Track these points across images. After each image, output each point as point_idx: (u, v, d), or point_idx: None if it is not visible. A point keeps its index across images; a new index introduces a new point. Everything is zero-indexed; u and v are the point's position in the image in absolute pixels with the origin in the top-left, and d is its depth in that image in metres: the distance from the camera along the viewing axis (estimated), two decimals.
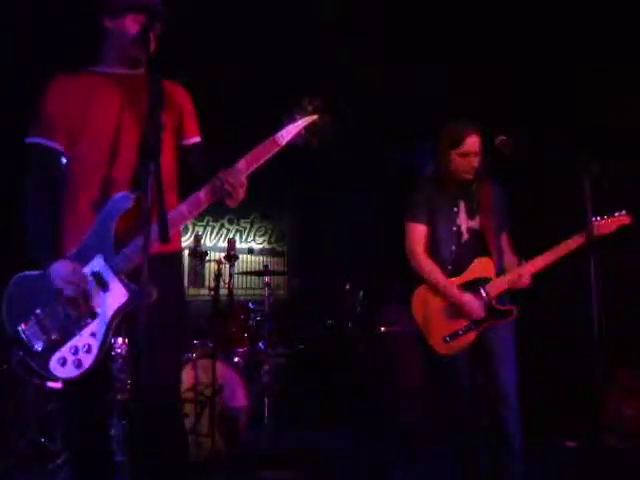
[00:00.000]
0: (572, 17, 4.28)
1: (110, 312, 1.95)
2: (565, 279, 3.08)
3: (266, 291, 5.09)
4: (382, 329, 5.50)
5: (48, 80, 2.16)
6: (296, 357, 5.29)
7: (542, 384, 4.21)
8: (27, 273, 2.01)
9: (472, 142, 2.84)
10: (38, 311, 1.96)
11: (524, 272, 2.82)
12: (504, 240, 3.02)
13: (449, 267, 2.88)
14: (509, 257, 2.99)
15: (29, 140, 2.12)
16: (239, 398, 4.17)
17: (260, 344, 4.89)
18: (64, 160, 2.15)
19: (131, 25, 2.11)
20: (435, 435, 3.91)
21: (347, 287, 5.75)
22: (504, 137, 2.79)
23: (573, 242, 2.77)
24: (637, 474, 3.44)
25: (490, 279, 2.86)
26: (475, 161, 2.87)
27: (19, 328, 1.95)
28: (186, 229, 6.71)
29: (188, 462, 2.25)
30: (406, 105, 5.29)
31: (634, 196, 3.29)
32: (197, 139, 2.34)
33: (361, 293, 5.69)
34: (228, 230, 7.20)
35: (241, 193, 2.02)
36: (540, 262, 2.83)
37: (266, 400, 4.61)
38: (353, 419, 4.82)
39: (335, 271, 6.12)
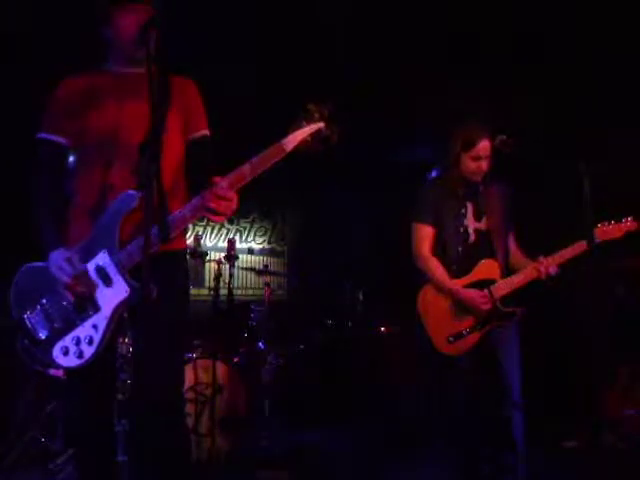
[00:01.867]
0: (575, 15, 4.28)
1: (111, 306, 1.99)
2: (565, 279, 3.08)
3: (266, 291, 5.09)
4: (382, 329, 5.50)
5: (58, 79, 2.22)
6: (296, 357, 5.29)
7: (542, 384, 4.21)
8: (34, 264, 2.08)
9: (484, 146, 2.87)
10: (44, 300, 2.02)
11: (551, 261, 2.82)
12: (511, 240, 3.02)
13: (455, 268, 2.89)
14: (518, 257, 2.99)
15: (39, 136, 2.19)
16: (239, 398, 4.17)
17: (260, 344, 4.89)
18: (71, 157, 2.21)
19: (124, 20, 2.12)
20: (435, 435, 3.91)
21: (347, 287, 5.75)
22: (505, 137, 2.81)
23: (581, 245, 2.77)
24: (637, 474, 3.44)
25: (495, 281, 2.86)
26: (485, 164, 2.89)
27: (25, 316, 2.02)
28: (186, 229, 6.71)
29: (190, 462, 2.25)
30: (407, 105, 5.29)
31: (634, 196, 3.29)
32: (204, 132, 2.32)
33: (361, 293, 5.69)
34: (228, 230, 7.19)
35: (228, 210, 2.01)
36: (564, 255, 2.84)
37: (266, 400, 4.61)
38: (353, 419, 4.82)
39: (335, 271, 6.13)
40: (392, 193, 6.08)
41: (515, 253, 3.01)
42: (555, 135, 4.12)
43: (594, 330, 2.29)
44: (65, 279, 1.97)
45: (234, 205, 2.02)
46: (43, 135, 2.18)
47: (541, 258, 2.87)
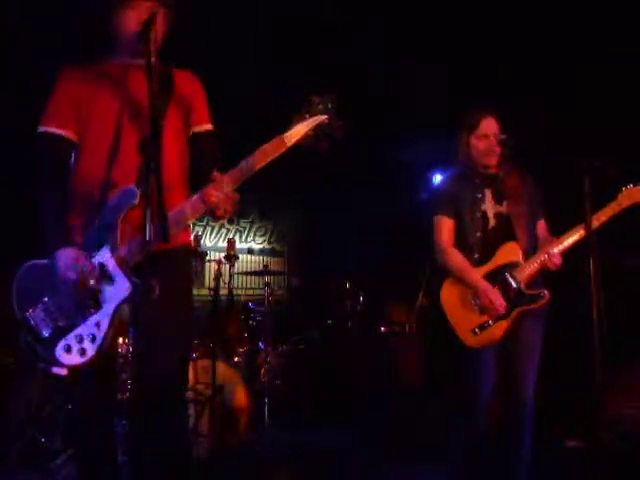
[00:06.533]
0: (574, 15, 4.29)
1: (113, 304, 1.97)
2: (565, 278, 3.08)
3: (266, 291, 5.10)
4: (382, 329, 5.50)
5: (59, 71, 2.17)
6: (296, 357, 5.28)
7: (542, 383, 4.20)
8: (36, 261, 2.05)
9: (488, 124, 2.85)
10: (46, 299, 2.00)
11: (553, 251, 2.74)
12: (541, 227, 2.96)
13: (476, 255, 2.84)
14: (547, 243, 2.88)
15: (41, 129, 2.13)
16: (239, 398, 4.17)
17: (260, 344, 4.89)
18: (73, 152, 2.16)
19: (128, 16, 2.09)
20: (435, 435, 3.90)
21: (347, 287, 5.74)
22: (504, 136, 2.80)
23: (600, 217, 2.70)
24: (637, 474, 3.43)
25: (518, 264, 2.79)
26: (495, 143, 2.83)
27: (27, 314, 1.99)
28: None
29: (190, 463, 2.25)
30: (406, 105, 5.29)
31: None
32: (207, 126, 2.28)
33: (361, 293, 5.69)
34: (228, 230, 7.19)
35: (228, 207, 1.99)
36: (569, 240, 2.75)
37: (266, 400, 4.61)
38: (353, 419, 4.81)
39: (335, 271, 6.12)
40: (392, 193, 6.09)
41: (545, 239, 2.92)
42: (555, 135, 4.12)
43: (593, 329, 2.28)
44: (74, 276, 1.94)
45: (234, 203, 1.99)
46: (48, 129, 2.12)
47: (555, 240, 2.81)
